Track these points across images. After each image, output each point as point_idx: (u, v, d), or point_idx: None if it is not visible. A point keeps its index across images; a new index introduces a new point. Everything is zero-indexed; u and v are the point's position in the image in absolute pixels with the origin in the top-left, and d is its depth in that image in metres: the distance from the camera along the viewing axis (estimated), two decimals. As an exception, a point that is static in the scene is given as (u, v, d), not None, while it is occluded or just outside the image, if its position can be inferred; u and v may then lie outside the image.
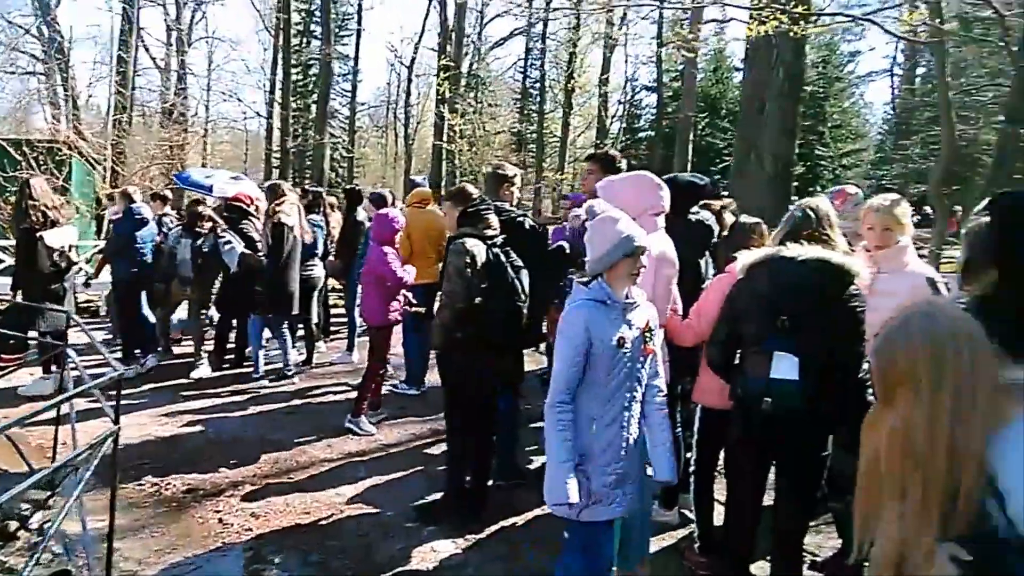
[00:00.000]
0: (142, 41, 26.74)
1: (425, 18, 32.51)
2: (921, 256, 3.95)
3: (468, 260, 3.82)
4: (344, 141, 33.61)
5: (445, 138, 26.98)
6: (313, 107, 30.83)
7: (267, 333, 7.37)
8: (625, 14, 25.72)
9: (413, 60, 34.58)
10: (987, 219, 1.99)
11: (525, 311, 4.00)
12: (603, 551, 2.85)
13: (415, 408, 6.24)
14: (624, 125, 36.48)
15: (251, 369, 7.13)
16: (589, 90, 30.70)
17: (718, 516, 3.50)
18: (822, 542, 3.81)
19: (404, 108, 36.21)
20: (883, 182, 27.91)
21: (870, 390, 2.63)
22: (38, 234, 6.12)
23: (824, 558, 3.66)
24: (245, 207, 7.44)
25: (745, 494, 3.11)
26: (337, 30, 31.36)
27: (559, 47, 31.16)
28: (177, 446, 5.27)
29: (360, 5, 33.03)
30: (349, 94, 34.71)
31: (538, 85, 33.87)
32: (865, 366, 2.80)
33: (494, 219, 4.06)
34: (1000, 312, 1.74)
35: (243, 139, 36.51)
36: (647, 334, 2.81)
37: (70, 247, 6.39)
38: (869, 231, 3.38)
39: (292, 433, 5.57)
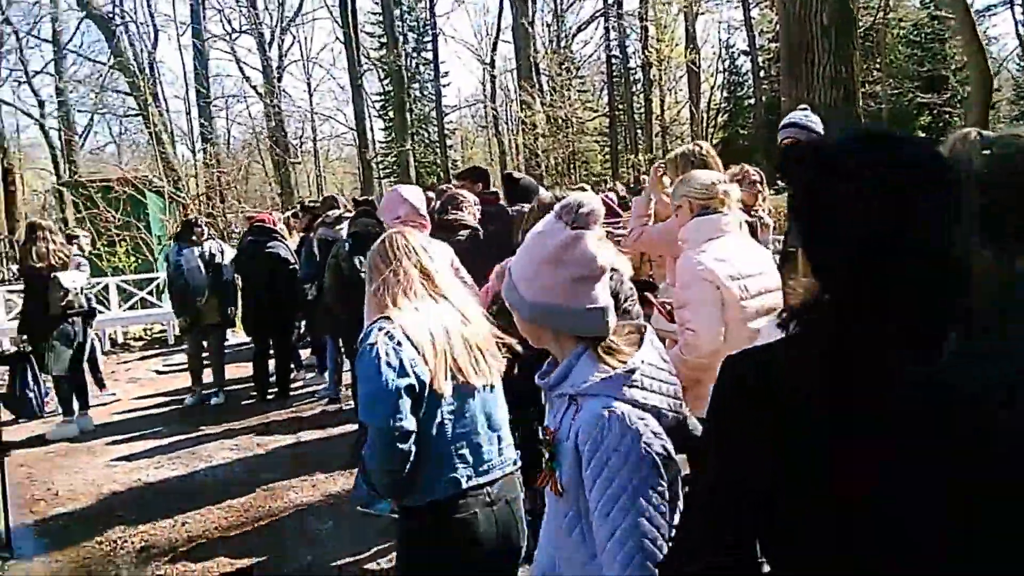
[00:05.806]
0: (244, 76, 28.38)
1: (499, 14, 32.75)
2: None
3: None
4: (435, 145, 33.95)
5: (517, 131, 26.74)
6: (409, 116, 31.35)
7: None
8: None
9: (493, 59, 34.63)
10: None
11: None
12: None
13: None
14: (726, 94, 34.39)
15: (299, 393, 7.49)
16: (678, 64, 28.96)
17: None
18: None
19: (487, 106, 36.19)
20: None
21: None
22: (52, 275, 6.21)
23: None
24: (269, 227, 7.33)
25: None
26: (417, 36, 31.83)
27: (640, 24, 29.85)
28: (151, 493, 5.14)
29: (432, 9, 33.31)
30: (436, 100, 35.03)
31: (622, 66, 32.70)
32: None
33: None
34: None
35: (353, 155, 37.86)
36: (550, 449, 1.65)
37: (81, 289, 6.44)
38: None
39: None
